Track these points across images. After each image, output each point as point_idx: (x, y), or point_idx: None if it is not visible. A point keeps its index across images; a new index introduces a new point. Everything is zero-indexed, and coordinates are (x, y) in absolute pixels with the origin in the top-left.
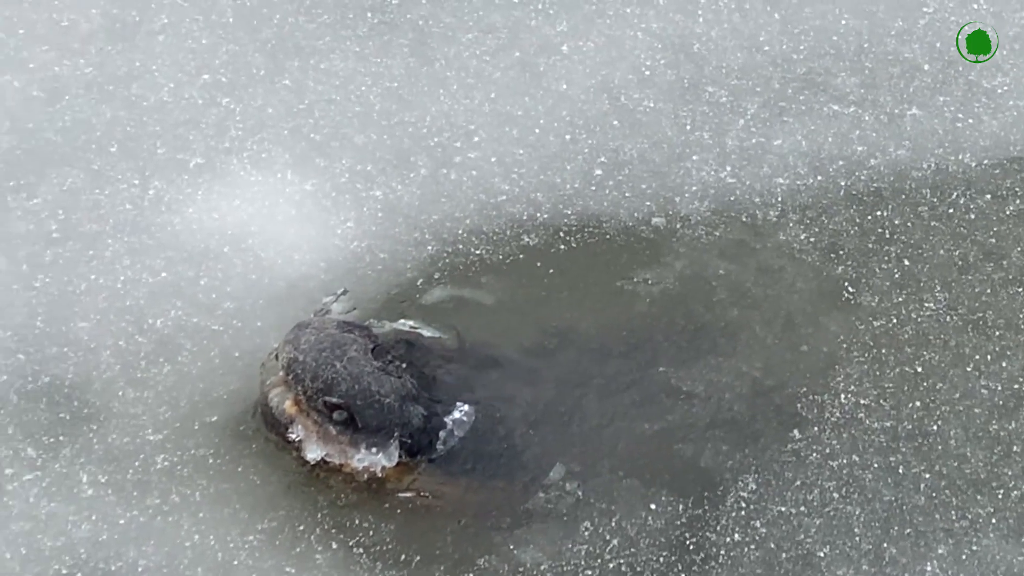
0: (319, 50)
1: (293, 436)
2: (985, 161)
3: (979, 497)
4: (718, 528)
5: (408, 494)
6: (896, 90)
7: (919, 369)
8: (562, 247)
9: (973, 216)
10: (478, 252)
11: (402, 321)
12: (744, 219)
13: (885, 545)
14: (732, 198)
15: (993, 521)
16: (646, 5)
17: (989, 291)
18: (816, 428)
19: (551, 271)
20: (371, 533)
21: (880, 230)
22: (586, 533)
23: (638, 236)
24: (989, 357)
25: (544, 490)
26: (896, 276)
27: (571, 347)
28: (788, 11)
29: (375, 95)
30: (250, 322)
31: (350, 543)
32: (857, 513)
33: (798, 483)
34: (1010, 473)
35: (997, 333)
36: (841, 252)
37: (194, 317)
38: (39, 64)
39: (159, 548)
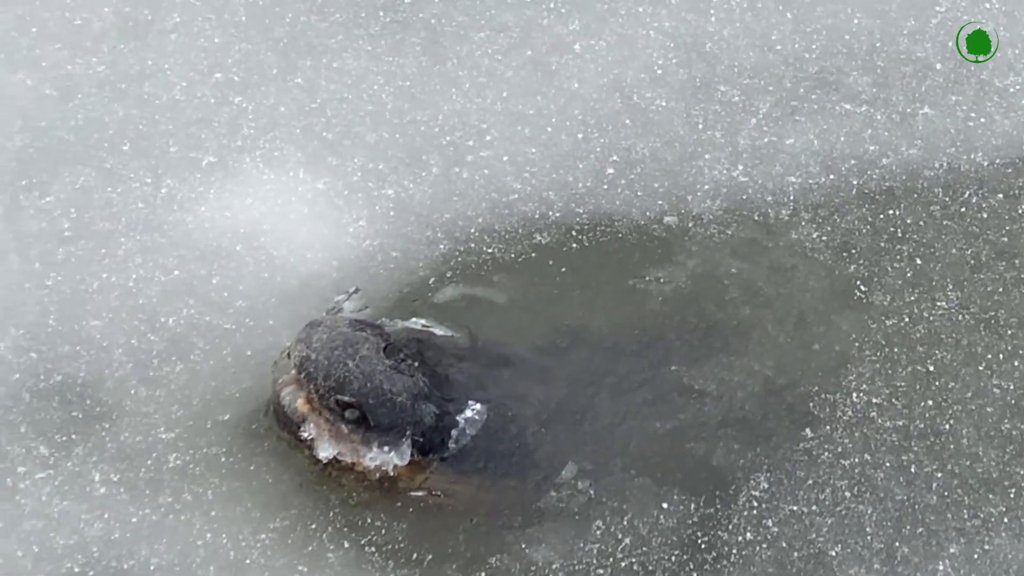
0: (331, 49)
1: (305, 434)
2: (997, 160)
3: (991, 496)
4: (730, 527)
5: (420, 493)
6: (908, 89)
7: (931, 368)
8: (574, 246)
9: (985, 215)
10: (490, 251)
11: (414, 319)
12: (756, 218)
13: (897, 544)
14: (744, 197)
15: (1005, 520)
16: (658, 4)
17: (1001, 290)
18: (828, 427)
19: (563, 270)
20: (383, 532)
21: (892, 229)
22: (598, 532)
23: (650, 235)
24: (1001, 356)
25: (556, 489)
26: (908, 275)
27: (583, 346)
28: (800, 10)
29: (387, 94)
30: (262, 320)
31: (362, 542)
32: (869, 512)
33: (810, 482)
34: (1022, 472)
35: (1009, 332)
36: (853, 251)
37: (206, 315)
38: (52, 63)
39: (171, 546)
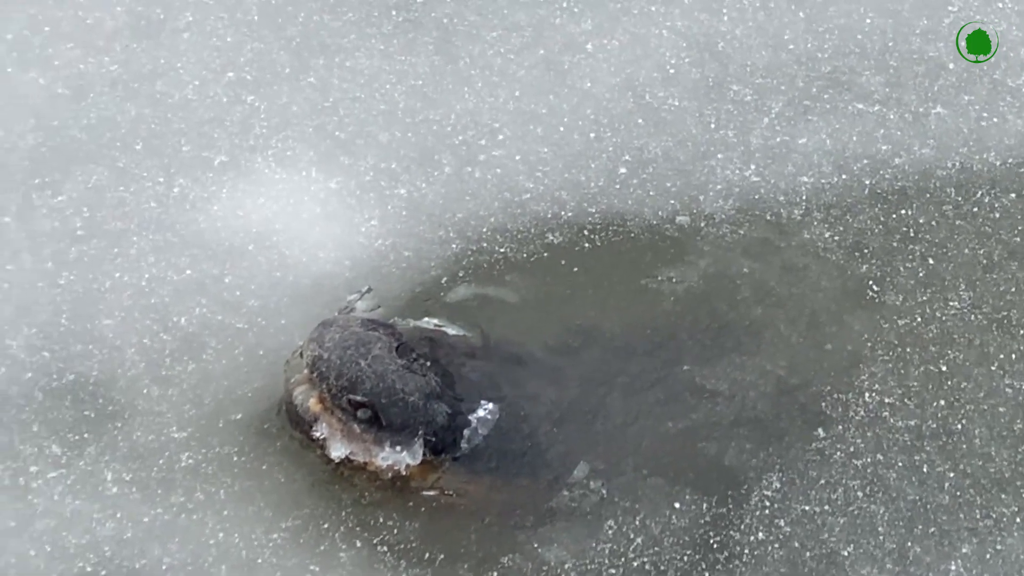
0: (344, 48)
1: (317, 434)
2: (1010, 160)
3: (1003, 496)
4: (742, 527)
5: (432, 492)
6: (921, 89)
7: (944, 368)
8: (586, 245)
9: (998, 215)
10: (502, 250)
11: (426, 319)
12: (768, 217)
13: (909, 544)
14: (756, 196)
15: (1018, 520)
16: (671, 3)
17: (1014, 290)
18: (840, 427)
19: (575, 269)
20: (395, 531)
21: (905, 229)
22: (610, 531)
23: (662, 234)
24: (1014, 356)
25: (568, 488)
26: (921, 275)
27: (595, 345)
28: (813, 10)
29: (400, 93)
30: (275, 320)
31: (374, 541)
32: (881, 512)
33: (822, 482)
34: None
35: (1022, 332)
36: (866, 251)
37: (219, 315)
38: (64, 62)
39: (184, 546)
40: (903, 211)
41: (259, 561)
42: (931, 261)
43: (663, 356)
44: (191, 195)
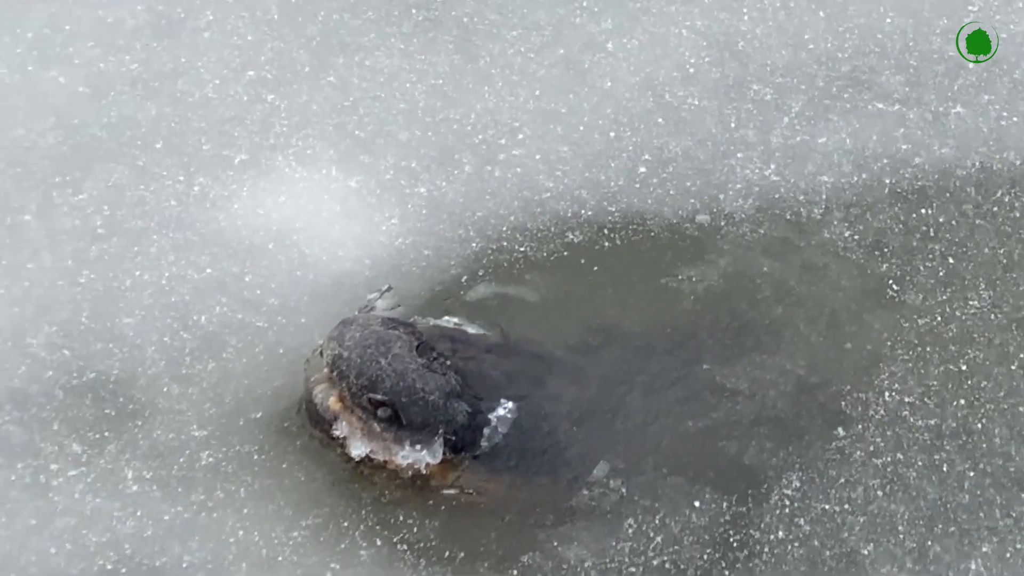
0: (364, 47)
1: (337, 433)
2: None
3: (1023, 495)
4: (762, 526)
5: (452, 491)
6: (941, 88)
7: (963, 367)
8: (606, 244)
9: (1018, 214)
10: (522, 249)
11: (446, 318)
12: (788, 217)
13: (929, 543)
14: (776, 196)
15: None
16: (691, 3)
17: None
18: (860, 426)
19: (595, 268)
20: (415, 530)
21: (924, 228)
22: (630, 530)
23: (682, 233)
24: None
25: (588, 487)
26: (941, 274)
27: (615, 344)
28: (833, 9)
29: (420, 92)
30: (295, 318)
31: (394, 539)
32: (901, 511)
33: (842, 481)
34: None
35: None
36: (885, 250)
37: (239, 313)
38: (84, 60)
39: (204, 544)
40: (923, 210)
41: (279, 559)
42: (951, 260)
43: (683, 355)
44: (211, 194)
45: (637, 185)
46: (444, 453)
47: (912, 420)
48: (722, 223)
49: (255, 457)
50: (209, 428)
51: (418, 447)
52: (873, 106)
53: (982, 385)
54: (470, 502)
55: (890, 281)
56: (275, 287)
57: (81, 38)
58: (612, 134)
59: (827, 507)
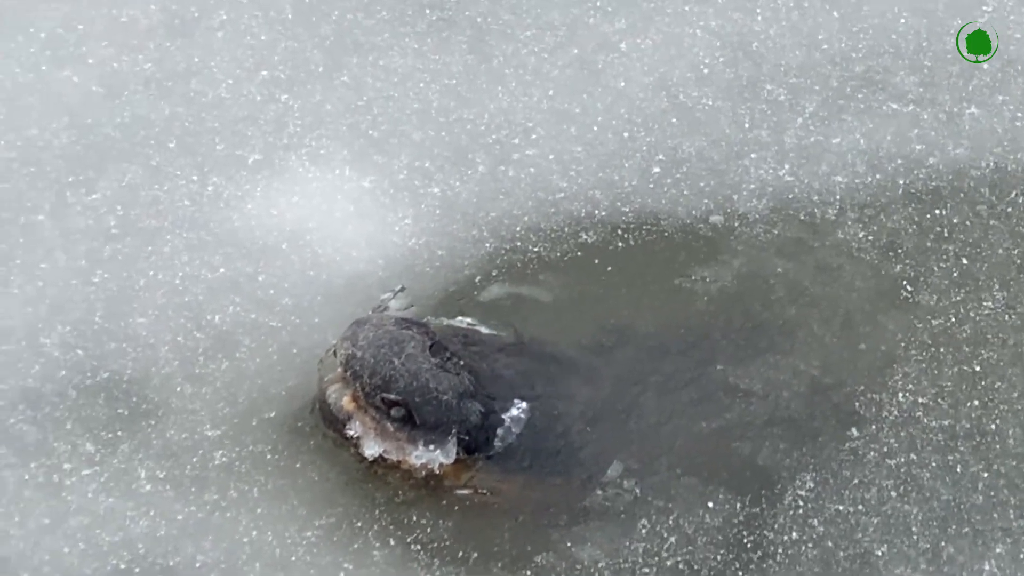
0: (378, 47)
1: (351, 432)
2: None
3: None
4: (776, 526)
5: (466, 491)
6: (955, 89)
7: (977, 368)
8: (620, 244)
9: None
10: (536, 249)
11: (460, 318)
12: (802, 217)
13: (943, 544)
14: (790, 196)
15: None
16: (705, 3)
17: None
18: (874, 427)
19: (609, 268)
20: (428, 530)
21: (939, 229)
22: (643, 531)
23: (696, 234)
24: None
25: (602, 487)
26: (954, 275)
27: (629, 345)
28: (847, 9)
29: (433, 92)
30: (308, 318)
31: (408, 540)
32: (915, 512)
33: (856, 481)
34: None
35: None
36: (899, 251)
37: (252, 313)
38: (98, 60)
39: (217, 544)
40: (937, 211)
41: (293, 559)
42: (965, 261)
43: (697, 355)
44: (225, 193)
45: (651, 185)
46: (458, 453)
47: (926, 421)
48: (736, 223)
49: (268, 457)
50: (222, 428)
51: (431, 447)
52: (887, 106)
53: (996, 386)
54: (484, 502)
55: (904, 282)
56: (289, 287)
57: (95, 38)
58: (626, 134)
59: (841, 508)
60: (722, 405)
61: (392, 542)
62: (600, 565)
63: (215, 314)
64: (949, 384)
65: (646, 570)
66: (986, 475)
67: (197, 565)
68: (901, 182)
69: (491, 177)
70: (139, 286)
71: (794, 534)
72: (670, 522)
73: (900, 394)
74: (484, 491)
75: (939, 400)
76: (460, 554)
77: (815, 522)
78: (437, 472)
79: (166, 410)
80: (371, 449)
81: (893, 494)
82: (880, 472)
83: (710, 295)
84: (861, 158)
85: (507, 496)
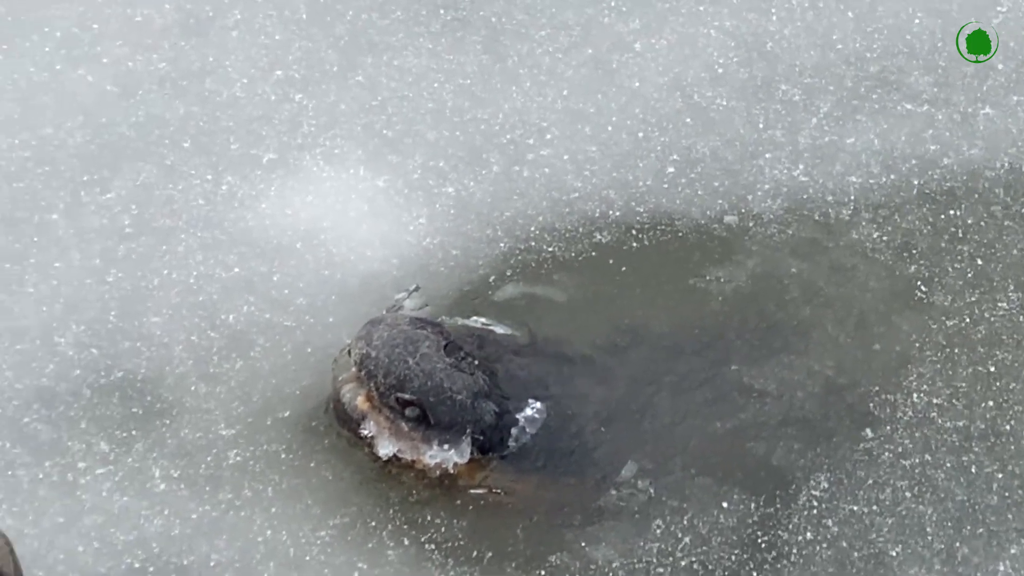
0: (392, 46)
1: (365, 432)
2: None
3: None
4: (790, 526)
5: (480, 491)
6: (970, 89)
7: (992, 369)
8: (634, 244)
9: None
10: (550, 249)
11: (474, 318)
12: (817, 217)
13: (958, 544)
14: (805, 196)
15: None
16: (719, 3)
17: None
18: (888, 427)
19: (623, 268)
20: (443, 529)
21: (953, 229)
22: (658, 531)
23: (710, 234)
24: None
25: (616, 487)
26: (969, 275)
27: (643, 345)
28: (861, 9)
29: (448, 92)
30: (322, 318)
31: (422, 539)
32: (929, 512)
33: (870, 482)
34: None
35: None
36: (914, 251)
37: (266, 313)
38: (113, 59)
39: (231, 543)
40: (951, 211)
41: (307, 559)
42: (979, 262)
43: (711, 356)
44: (239, 193)
45: (665, 185)
46: (472, 453)
47: (940, 421)
48: (750, 224)
49: (283, 456)
50: (237, 427)
51: (446, 447)
52: (902, 107)
53: (1010, 387)
54: (498, 502)
55: (918, 282)
56: (303, 286)
57: (109, 37)
58: (640, 134)
59: (855, 508)
60: (736, 405)
61: (406, 541)
62: (614, 565)
63: (229, 313)
64: (964, 385)
65: (660, 570)
66: (1001, 476)
67: (211, 564)
68: (915, 182)
69: (505, 177)
70: (153, 285)
71: (808, 534)
72: (684, 522)
73: (914, 395)
74: (498, 491)
75: (954, 401)
76: (474, 554)
77: (829, 522)
78: (451, 472)
79: (180, 409)
80: (385, 449)
81: (907, 495)
82: (894, 473)
83: (724, 295)
84: (875, 158)
85: (521, 496)
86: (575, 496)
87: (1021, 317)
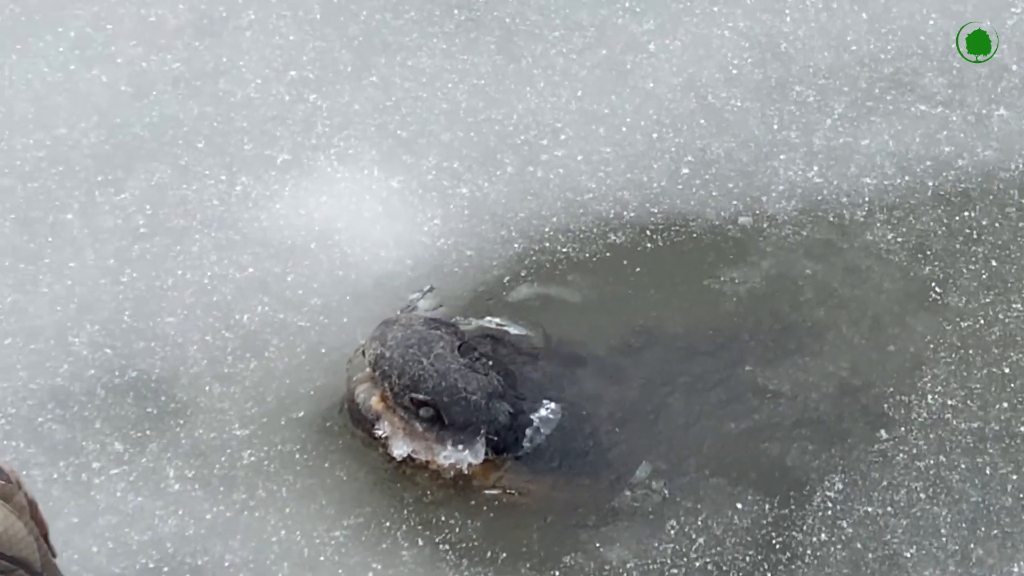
0: (406, 47)
1: (379, 432)
2: None
3: None
4: (804, 528)
5: (494, 491)
6: (984, 90)
7: (1006, 370)
8: (648, 245)
9: None
10: (564, 250)
11: (488, 318)
12: (831, 219)
13: (972, 546)
14: (819, 198)
15: None
16: (733, 4)
17: None
18: (903, 428)
19: (637, 269)
20: (457, 530)
21: (967, 231)
22: (672, 531)
23: (725, 235)
24: None
25: (630, 488)
26: (983, 277)
27: (657, 345)
28: (876, 11)
29: (462, 92)
30: (336, 318)
31: (436, 539)
32: (944, 514)
33: (885, 483)
34: None
35: None
36: (928, 252)
37: (281, 313)
38: (127, 59)
39: (245, 543)
40: (966, 213)
41: (321, 559)
42: (994, 263)
43: (725, 357)
44: (253, 193)
45: (679, 186)
46: (486, 453)
47: (955, 423)
48: (764, 225)
49: (297, 456)
50: (251, 427)
51: (460, 447)
52: (916, 108)
53: None
54: (512, 502)
55: (933, 284)
56: (317, 287)
57: (123, 37)
58: (654, 135)
59: (869, 510)
60: (751, 406)
61: (420, 542)
62: (628, 566)
63: (243, 314)
64: (978, 386)
65: (674, 571)
66: (1015, 477)
67: (225, 564)
68: (930, 184)
69: (519, 178)
70: (167, 285)
71: (823, 535)
72: (699, 523)
73: (929, 396)
74: (512, 491)
75: (968, 402)
76: (488, 554)
77: (844, 524)
78: (466, 472)
79: (195, 409)
80: (399, 449)
81: (922, 496)
82: (909, 474)
83: (739, 296)
84: (890, 160)
85: (535, 496)
86: (589, 497)
87: None
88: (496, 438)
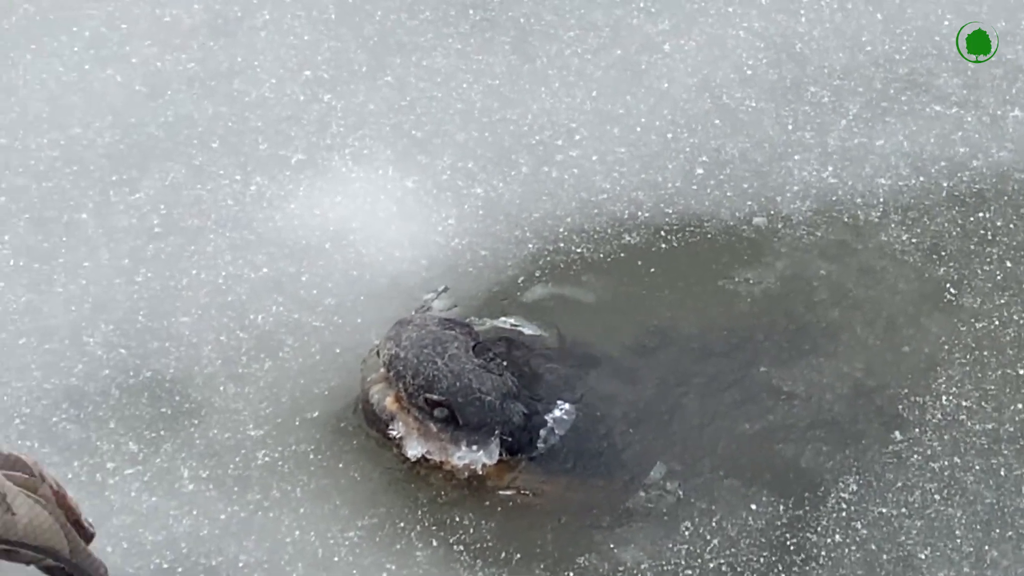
0: (421, 47)
1: (394, 433)
2: None
3: None
4: (819, 529)
5: (508, 492)
6: (999, 91)
7: (1021, 371)
8: (663, 246)
9: None
10: (579, 250)
11: (503, 319)
12: (846, 219)
13: (986, 547)
14: (834, 198)
15: None
16: (748, 4)
17: None
18: (917, 430)
19: (652, 270)
20: (471, 530)
21: (982, 231)
22: (686, 532)
23: (739, 236)
24: None
25: (644, 489)
26: (998, 278)
27: (672, 346)
28: (890, 11)
29: (476, 92)
30: (351, 318)
31: (450, 540)
32: (958, 515)
33: (899, 485)
34: None
35: None
36: (943, 253)
37: (295, 313)
38: (141, 59)
39: (260, 543)
40: (981, 213)
41: (335, 559)
42: (1009, 264)
43: (740, 357)
44: (268, 193)
45: (694, 187)
46: (500, 454)
47: (969, 424)
48: (779, 225)
49: (311, 457)
50: (265, 427)
51: (474, 448)
52: (931, 109)
53: None
54: (526, 503)
55: (948, 285)
56: (332, 287)
57: (138, 37)
58: (669, 135)
59: (884, 511)
60: (765, 407)
61: (435, 542)
62: (643, 567)
63: (258, 314)
64: (993, 387)
65: (688, 572)
66: None
67: (240, 565)
68: (945, 184)
69: (534, 178)
70: (182, 285)
71: (837, 537)
72: (713, 524)
73: (944, 397)
74: (527, 492)
75: (983, 403)
76: (502, 555)
77: (858, 525)
78: (480, 473)
79: (209, 409)
80: (414, 449)
81: (936, 497)
82: (923, 475)
83: (753, 297)
84: (905, 160)
85: (550, 497)
86: (604, 497)
87: None
88: (510, 439)
